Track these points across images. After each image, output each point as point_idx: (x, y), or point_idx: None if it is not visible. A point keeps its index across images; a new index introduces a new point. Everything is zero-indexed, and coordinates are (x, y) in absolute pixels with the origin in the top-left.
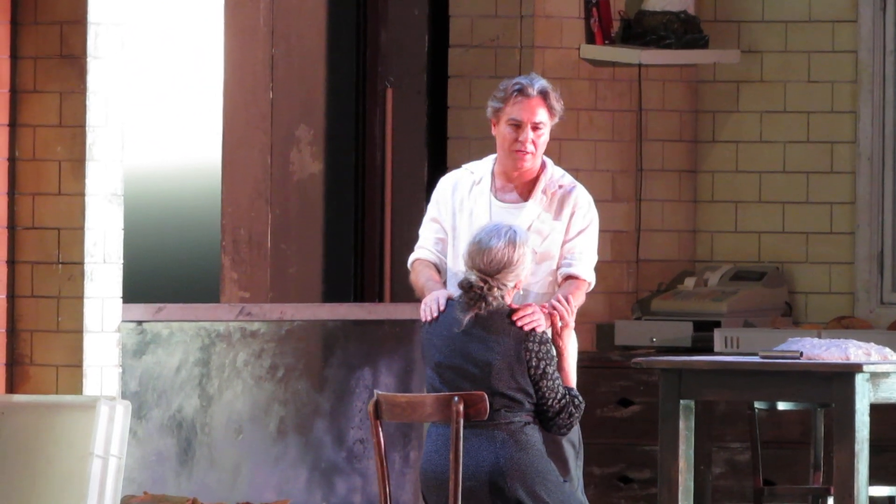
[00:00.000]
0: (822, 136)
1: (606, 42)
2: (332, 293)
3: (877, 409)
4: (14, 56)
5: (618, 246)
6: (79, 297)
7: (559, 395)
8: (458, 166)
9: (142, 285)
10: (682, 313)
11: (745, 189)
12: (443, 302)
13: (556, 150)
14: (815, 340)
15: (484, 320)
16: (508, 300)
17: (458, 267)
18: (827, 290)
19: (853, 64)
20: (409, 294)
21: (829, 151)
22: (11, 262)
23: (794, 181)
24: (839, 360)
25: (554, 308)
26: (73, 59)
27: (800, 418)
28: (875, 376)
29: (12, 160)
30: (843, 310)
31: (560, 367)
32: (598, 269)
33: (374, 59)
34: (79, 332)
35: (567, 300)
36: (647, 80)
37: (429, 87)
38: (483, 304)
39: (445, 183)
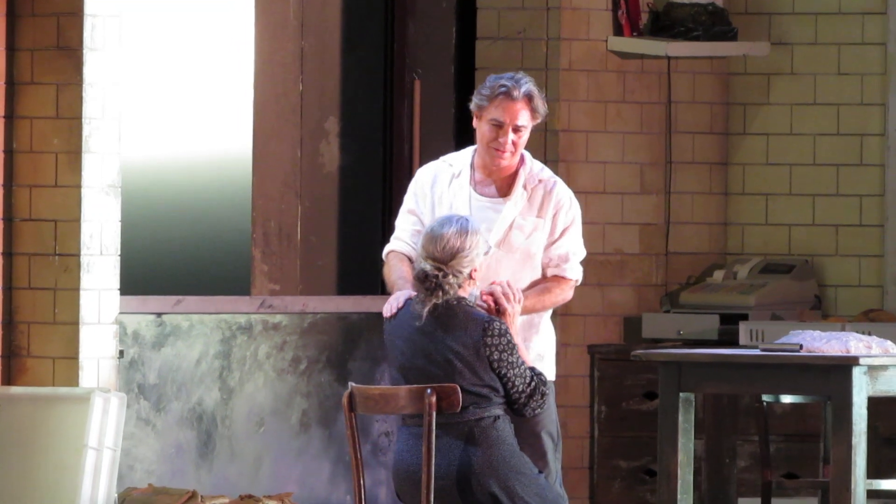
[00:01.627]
0: (852, 128)
1: (634, 34)
2: (361, 285)
3: (888, 403)
4: (11, 48)
5: (646, 238)
6: (75, 289)
7: (527, 379)
8: None
9: (171, 277)
10: (710, 306)
11: (775, 181)
12: (402, 300)
13: (584, 142)
14: (817, 333)
15: (441, 319)
16: (466, 294)
17: None
18: (856, 283)
19: (883, 56)
20: None
21: (859, 144)
22: (8, 254)
23: (824, 174)
24: (839, 353)
25: (491, 293)
26: (69, 51)
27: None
28: (873, 369)
29: (9, 152)
30: (873, 303)
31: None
32: (626, 262)
33: (402, 52)
34: (75, 323)
35: (508, 284)
36: (676, 73)
37: (456, 79)
38: (440, 293)
39: (424, 175)
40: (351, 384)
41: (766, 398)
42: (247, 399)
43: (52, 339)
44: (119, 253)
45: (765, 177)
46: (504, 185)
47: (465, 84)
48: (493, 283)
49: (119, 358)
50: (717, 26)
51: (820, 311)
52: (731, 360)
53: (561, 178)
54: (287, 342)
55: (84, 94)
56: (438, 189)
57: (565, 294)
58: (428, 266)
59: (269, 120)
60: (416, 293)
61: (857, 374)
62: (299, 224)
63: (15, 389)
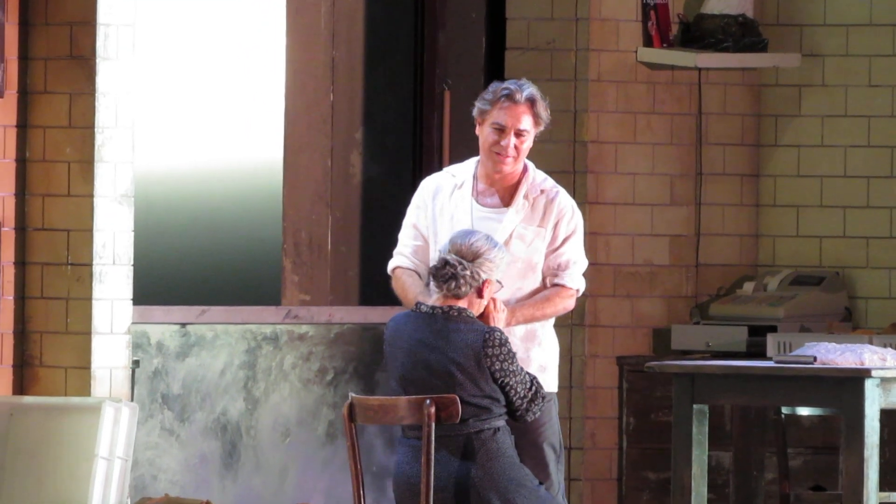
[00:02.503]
0: (883, 140)
1: (664, 45)
2: (390, 296)
3: None
4: (25, 57)
5: (676, 250)
6: (87, 299)
7: (528, 385)
8: None
9: (203, 288)
10: (739, 318)
11: (806, 193)
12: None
13: (613, 154)
14: (832, 345)
15: (442, 331)
16: (467, 305)
17: None
18: (887, 294)
19: None
20: None
21: (890, 156)
22: (22, 264)
23: (855, 186)
24: (853, 366)
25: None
26: (82, 61)
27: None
28: (886, 381)
29: (22, 161)
30: None
31: None
32: (656, 273)
33: (432, 62)
34: (87, 333)
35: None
36: (707, 84)
37: (485, 89)
38: (453, 284)
39: (426, 187)
40: (351, 394)
41: (784, 410)
42: (272, 410)
43: (64, 349)
44: (132, 263)
45: (796, 188)
46: (506, 196)
47: None
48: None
49: (135, 368)
50: (747, 38)
51: (850, 322)
52: (745, 372)
53: (589, 189)
54: (313, 353)
55: (97, 104)
56: (440, 200)
57: (566, 303)
58: (450, 256)
59: (300, 130)
60: (416, 307)
61: (870, 386)
62: (329, 234)
63: (27, 399)
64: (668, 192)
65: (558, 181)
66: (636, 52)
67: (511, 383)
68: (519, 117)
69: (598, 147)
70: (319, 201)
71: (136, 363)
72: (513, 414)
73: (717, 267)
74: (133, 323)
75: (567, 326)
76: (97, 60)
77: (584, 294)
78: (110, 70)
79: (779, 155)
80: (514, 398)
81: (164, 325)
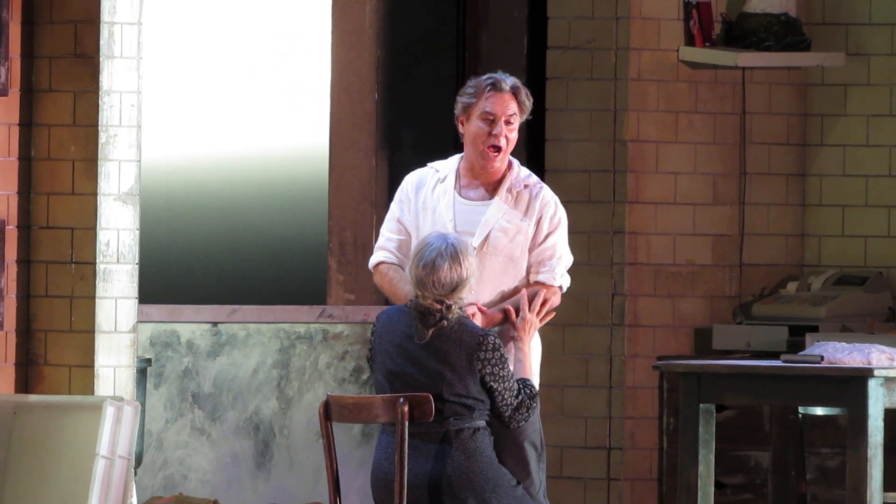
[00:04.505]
0: None
1: (707, 44)
2: None
3: None
4: (29, 55)
5: (719, 250)
6: (91, 298)
7: (515, 393)
8: (556, 169)
9: (246, 286)
10: (781, 318)
11: (851, 193)
12: None
13: (654, 153)
14: (841, 345)
15: (437, 330)
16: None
17: None
18: None
19: None
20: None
21: None
22: (26, 262)
23: None
24: (859, 365)
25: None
26: (86, 59)
27: (889, 423)
28: (890, 381)
29: (27, 159)
30: None
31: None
32: (698, 273)
33: (475, 61)
34: (91, 332)
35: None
36: (751, 83)
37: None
38: (444, 323)
39: (409, 181)
40: (328, 393)
41: (801, 410)
42: (306, 409)
43: (68, 348)
44: (137, 261)
45: (841, 188)
46: (490, 189)
47: (535, 94)
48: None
49: (147, 366)
50: (789, 37)
51: (893, 323)
52: (750, 371)
53: (629, 188)
54: (349, 352)
55: (100, 102)
56: (422, 195)
57: (556, 300)
58: (428, 303)
59: (345, 129)
60: (409, 303)
61: (873, 385)
62: (374, 234)
63: (31, 397)
64: (711, 192)
65: (598, 180)
66: (678, 51)
67: (499, 389)
68: (507, 105)
69: (639, 146)
70: (364, 200)
71: (147, 361)
72: (497, 417)
73: (761, 267)
74: (162, 322)
75: (606, 326)
76: (101, 59)
77: (623, 294)
78: (114, 68)
79: (824, 154)
80: (500, 404)
81: (195, 324)
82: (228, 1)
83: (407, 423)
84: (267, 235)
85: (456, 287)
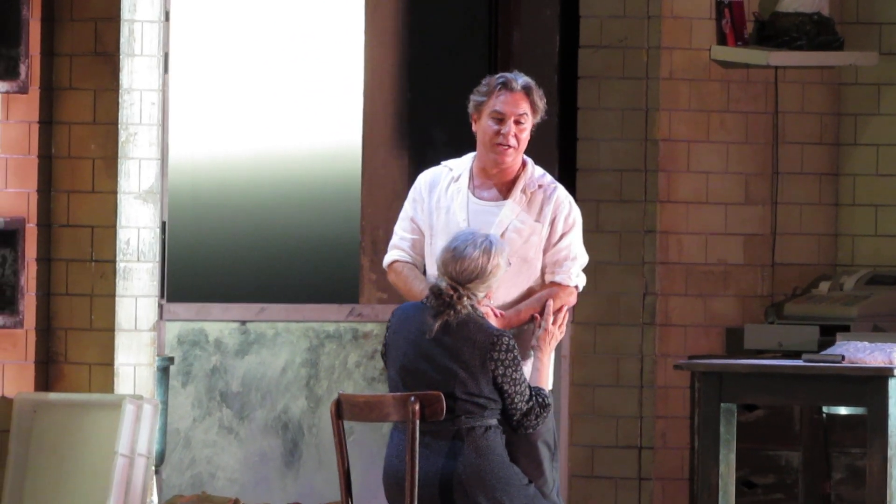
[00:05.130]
0: None
1: (739, 43)
2: None
3: None
4: (50, 53)
5: (751, 249)
6: (111, 296)
7: (526, 398)
8: (588, 168)
9: (277, 284)
10: (813, 317)
11: (885, 192)
12: None
13: (685, 152)
14: (863, 344)
15: (452, 327)
16: (479, 308)
17: (434, 268)
18: None
19: None
20: None
21: None
22: (47, 260)
23: None
24: (880, 365)
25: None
26: (106, 57)
27: None
28: None
29: (47, 157)
30: None
31: (538, 372)
32: (729, 272)
33: (507, 60)
34: (111, 330)
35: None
36: (784, 83)
37: (559, 87)
38: (451, 313)
39: (423, 180)
40: (339, 392)
41: (825, 409)
42: None
43: (88, 346)
44: (158, 260)
45: (875, 188)
46: (504, 190)
47: (568, 92)
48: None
49: (169, 364)
50: (821, 36)
51: None
52: (771, 371)
53: (661, 187)
54: (378, 351)
55: (120, 100)
56: (436, 194)
57: (563, 301)
58: (444, 284)
59: (378, 128)
60: (425, 300)
61: (894, 385)
62: None
63: (51, 396)
64: (743, 191)
65: (629, 179)
66: (709, 50)
67: (510, 392)
68: (517, 104)
69: (670, 145)
70: (397, 199)
71: (170, 360)
72: (508, 421)
73: (793, 266)
74: (190, 320)
75: (637, 326)
76: (121, 56)
77: (654, 293)
78: (134, 66)
79: (858, 154)
80: (510, 407)
81: (223, 323)
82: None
83: (418, 421)
84: (298, 234)
85: (475, 276)
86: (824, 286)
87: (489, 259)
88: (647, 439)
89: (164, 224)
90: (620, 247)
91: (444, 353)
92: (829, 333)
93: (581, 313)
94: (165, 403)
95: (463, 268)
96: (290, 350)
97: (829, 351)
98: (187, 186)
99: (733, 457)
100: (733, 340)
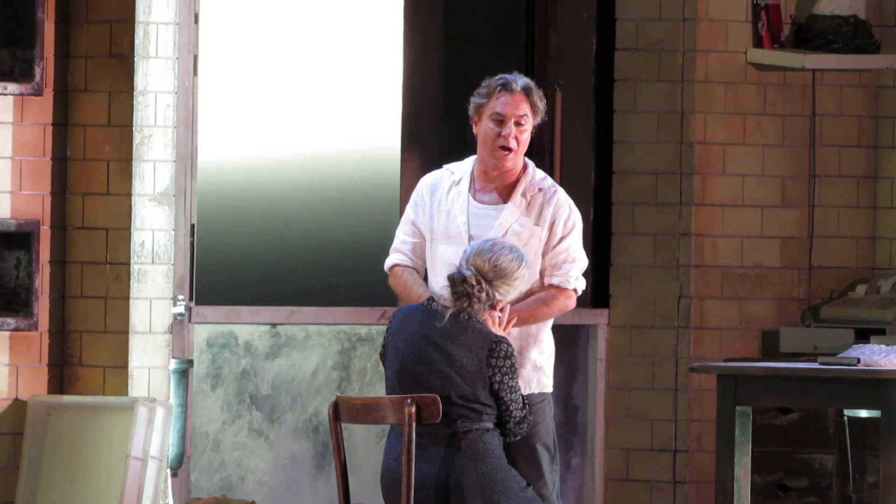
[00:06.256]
0: None
1: (775, 46)
2: None
3: None
4: (66, 55)
5: (788, 252)
6: (125, 298)
7: (520, 406)
8: (624, 171)
9: (309, 288)
10: (849, 320)
11: None
12: None
13: (721, 155)
14: (878, 347)
15: (450, 330)
16: (484, 317)
17: (435, 270)
18: None
19: None
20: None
21: None
22: (62, 262)
23: None
24: (894, 367)
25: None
26: (121, 59)
27: None
28: None
29: (61, 160)
30: None
31: None
32: (766, 275)
33: (544, 63)
34: (125, 333)
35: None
36: (821, 86)
37: (596, 90)
38: (467, 303)
39: (424, 183)
40: (337, 394)
41: (847, 412)
42: None
43: (103, 349)
44: (172, 262)
45: None
46: (504, 193)
47: (604, 95)
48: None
49: (188, 367)
50: (858, 38)
51: None
52: (786, 374)
53: (696, 190)
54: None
55: (135, 102)
56: (437, 197)
57: (561, 304)
58: (469, 273)
59: (416, 129)
60: (425, 301)
61: None
62: None
63: (64, 398)
64: (780, 194)
65: (664, 182)
66: (746, 52)
67: (506, 399)
68: (517, 105)
69: (705, 148)
70: None
71: (189, 362)
72: (500, 427)
73: (831, 269)
74: (219, 323)
75: (672, 329)
76: (136, 59)
77: (689, 296)
78: (149, 68)
79: None
80: (504, 414)
81: (253, 326)
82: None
83: (414, 424)
84: (331, 236)
85: (503, 275)
86: (861, 289)
87: (519, 266)
88: (682, 443)
89: (192, 226)
90: (655, 250)
91: (442, 358)
92: (865, 337)
93: (616, 316)
94: (184, 406)
95: (495, 263)
96: (321, 353)
97: (846, 354)
98: (214, 188)
99: (748, 459)
100: (769, 344)
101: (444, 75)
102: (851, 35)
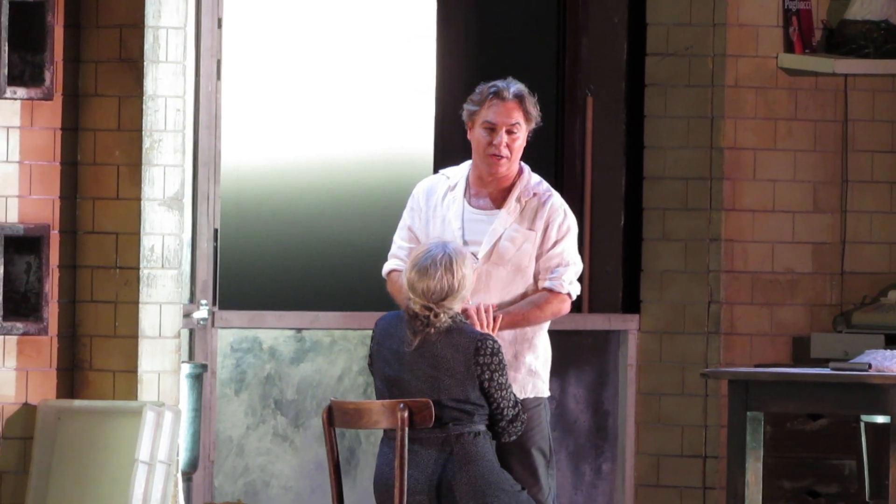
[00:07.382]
0: None
1: (806, 51)
2: None
3: None
4: (76, 59)
5: (819, 257)
6: (135, 303)
7: (512, 403)
8: (654, 176)
9: (333, 293)
10: (880, 326)
11: None
12: None
13: (751, 160)
14: (891, 352)
15: (433, 338)
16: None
17: None
18: None
19: None
20: (606, 305)
21: None
22: (72, 267)
23: None
24: None
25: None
26: (131, 63)
27: None
28: None
29: (71, 164)
30: None
31: None
32: (797, 281)
33: (575, 68)
34: (134, 337)
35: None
36: (854, 91)
37: (626, 95)
38: (431, 330)
39: (420, 189)
40: (331, 398)
41: (864, 418)
42: None
43: (112, 353)
44: (182, 266)
45: None
46: (499, 198)
47: (635, 100)
48: (478, 306)
49: (202, 372)
50: (889, 44)
51: None
52: (797, 379)
53: (726, 196)
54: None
55: (144, 107)
56: (433, 202)
57: (554, 308)
58: (417, 307)
59: (449, 135)
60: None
61: None
62: None
63: (74, 403)
64: (811, 199)
65: (694, 187)
66: (776, 57)
67: (496, 397)
68: (509, 114)
69: (736, 153)
70: None
71: (203, 367)
72: (491, 427)
73: (864, 275)
74: (242, 328)
75: (702, 335)
76: (145, 63)
77: (719, 301)
78: (159, 73)
79: None
80: (496, 413)
81: (278, 331)
82: (333, 4)
83: (407, 428)
84: (361, 241)
85: (446, 296)
86: (893, 295)
87: (454, 275)
88: (712, 448)
89: (215, 231)
90: (686, 255)
91: (426, 362)
92: (894, 342)
93: (647, 322)
94: (198, 411)
95: (431, 289)
96: (347, 358)
97: (858, 359)
98: (235, 193)
99: (760, 465)
100: (800, 350)
101: (476, 82)
102: (883, 40)
